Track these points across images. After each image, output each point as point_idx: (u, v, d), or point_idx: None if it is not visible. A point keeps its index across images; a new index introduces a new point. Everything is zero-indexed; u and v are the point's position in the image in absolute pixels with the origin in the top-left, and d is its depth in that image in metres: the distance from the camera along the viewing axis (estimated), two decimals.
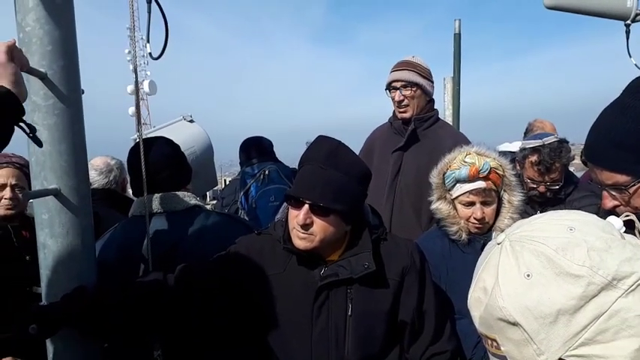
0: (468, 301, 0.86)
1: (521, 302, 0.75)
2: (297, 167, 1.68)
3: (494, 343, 0.81)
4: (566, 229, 0.78)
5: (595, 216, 0.83)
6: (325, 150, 1.55)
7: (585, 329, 0.72)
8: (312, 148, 1.59)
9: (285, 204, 1.74)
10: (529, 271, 0.76)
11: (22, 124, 1.16)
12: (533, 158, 2.50)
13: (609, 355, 0.71)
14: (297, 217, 1.50)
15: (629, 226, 1.04)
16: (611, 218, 0.85)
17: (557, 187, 2.53)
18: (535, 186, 2.53)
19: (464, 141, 2.73)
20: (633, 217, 1.02)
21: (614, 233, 0.79)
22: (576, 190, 2.62)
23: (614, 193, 1.23)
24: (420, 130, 2.79)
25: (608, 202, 1.24)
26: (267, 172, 3.52)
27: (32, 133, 1.20)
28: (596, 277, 0.72)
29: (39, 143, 1.25)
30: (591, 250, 0.74)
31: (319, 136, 1.63)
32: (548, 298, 0.73)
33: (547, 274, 0.74)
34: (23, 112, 1.15)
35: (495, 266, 0.80)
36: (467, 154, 1.98)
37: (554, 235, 0.78)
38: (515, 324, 0.75)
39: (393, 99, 2.82)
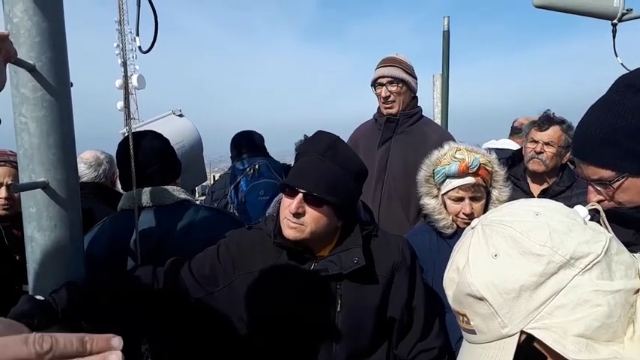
0: (444, 282, 0.92)
1: (488, 279, 0.81)
2: (286, 163, 1.68)
3: (465, 319, 0.87)
4: (532, 214, 0.85)
5: (561, 204, 0.90)
6: (324, 143, 1.54)
7: (545, 304, 0.78)
8: (311, 140, 1.59)
9: (276, 199, 1.74)
10: (496, 251, 0.82)
11: None
12: (535, 123, 2.78)
13: (567, 327, 0.77)
14: (289, 205, 1.48)
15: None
16: (578, 207, 0.92)
17: (554, 158, 2.71)
18: (533, 146, 2.73)
19: (449, 136, 2.77)
20: (598, 206, 1.07)
21: (577, 219, 0.85)
22: (575, 186, 2.70)
23: (599, 188, 1.25)
24: (405, 126, 2.83)
25: (593, 197, 1.26)
26: (257, 166, 3.52)
27: None
28: (556, 256, 0.78)
29: None
30: (553, 232, 0.80)
31: (318, 131, 1.62)
32: (512, 275, 0.80)
33: (512, 253, 0.81)
34: None
35: (467, 248, 0.87)
36: (457, 150, 1.99)
37: (521, 219, 0.84)
38: (482, 299, 0.81)
39: (378, 95, 2.85)
